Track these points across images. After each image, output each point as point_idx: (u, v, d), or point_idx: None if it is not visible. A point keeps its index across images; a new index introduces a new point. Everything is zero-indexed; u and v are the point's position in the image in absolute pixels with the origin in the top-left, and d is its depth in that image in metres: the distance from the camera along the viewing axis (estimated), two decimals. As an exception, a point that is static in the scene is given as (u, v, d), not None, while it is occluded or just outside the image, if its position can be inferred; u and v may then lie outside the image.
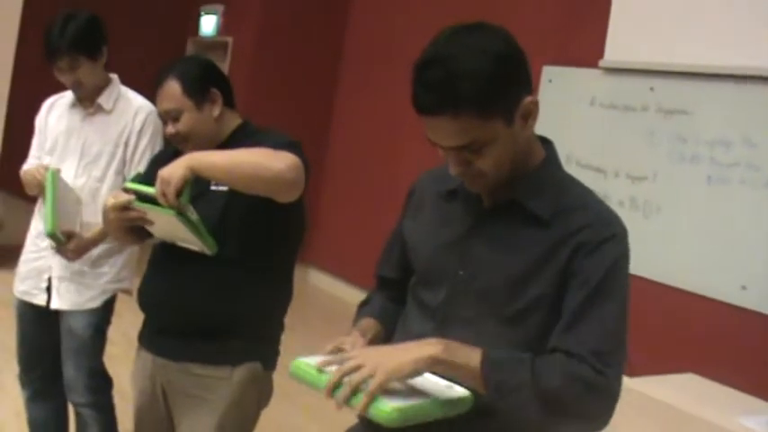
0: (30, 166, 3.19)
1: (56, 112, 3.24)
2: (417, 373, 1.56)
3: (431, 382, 1.61)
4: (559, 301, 1.63)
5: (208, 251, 2.33)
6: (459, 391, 1.60)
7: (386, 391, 1.52)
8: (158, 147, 3.14)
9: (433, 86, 1.54)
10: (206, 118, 2.50)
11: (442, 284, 1.75)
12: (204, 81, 2.51)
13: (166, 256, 2.46)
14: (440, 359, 1.55)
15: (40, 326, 3.22)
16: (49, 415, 3.35)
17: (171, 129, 2.48)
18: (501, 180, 1.66)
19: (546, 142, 1.78)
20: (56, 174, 2.99)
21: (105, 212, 2.41)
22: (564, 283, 1.63)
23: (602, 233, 1.63)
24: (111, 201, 2.37)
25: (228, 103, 2.57)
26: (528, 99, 1.60)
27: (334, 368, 1.57)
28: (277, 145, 2.34)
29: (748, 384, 3.31)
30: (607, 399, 1.59)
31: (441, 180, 1.82)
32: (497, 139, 1.58)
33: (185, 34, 9.16)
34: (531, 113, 1.62)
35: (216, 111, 2.52)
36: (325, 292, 7.70)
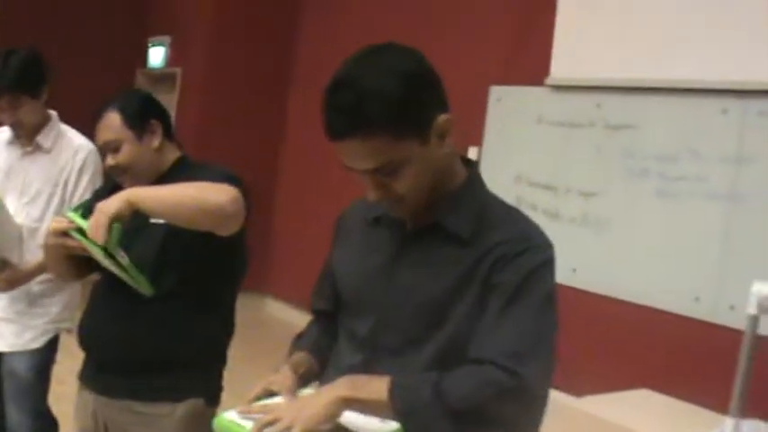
0: None
1: None
2: (333, 416, 1.52)
3: (361, 419, 1.57)
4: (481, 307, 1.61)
5: (143, 291, 2.28)
6: (391, 424, 1.55)
7: None
8: (98, 185, 3.08)
9: (342, 109, 1.51)
10: (146, 149, 2.45)
11: (369, 313, 1.71)
12: (144, 112, 2.47)
13: (106, 291, 2.40)
14: (349, 398, 1.52)
15: (-19, 368, 3.13)
16: (-6, 459, 3.25)
17: (110, 160, 2.42)
18: (421, 202, 1.63)
19: (468, 163, 1.75)
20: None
21: (46, 237, 2.35)
22: (484, 299, 1.60)
23: (519, 246, 1.60)
24: (53, 225, 2.32)
25: (168, 134, 2.53)
26: (442, 117, 1.57)
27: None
28: (216, 179, 2.29)
29: (705, 397, 3.29)
30: (525, 400, 1.54)
31: (367, 208, 1.78)
32: (412, 159, 1.55)
33: (133, 66, 9.09)
34: (447, 131, 1.59)
35: (155, 142, 2.47)
36: (283, 322, 7.62)
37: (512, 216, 1.70)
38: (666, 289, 4.57)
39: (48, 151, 3.10)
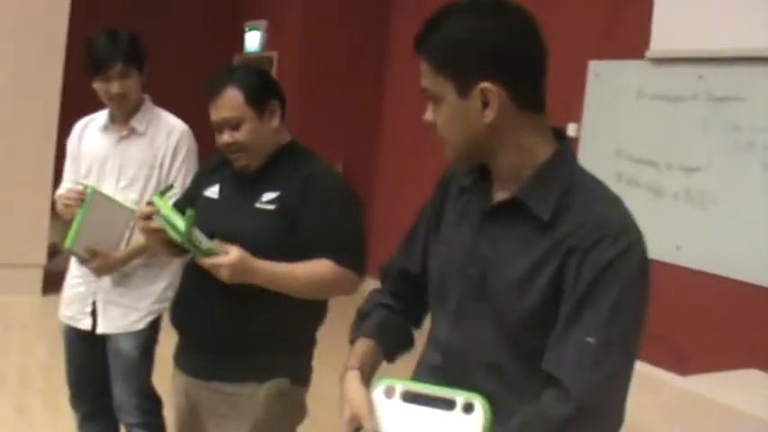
0: (62, 190, 3.18)
1: (89, 136, 3.24)
2: None
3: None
4: (556, 311, 1.55)
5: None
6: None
7: None
8: (193, 165, 3.13)
9: (422, 29, 1.62)
10: (265, 128, 2.47)
11: (455, 285, 1.69)
12: (265, 91, 2.48)
13: (196, 273, 2.43)
14: None
15: (87, 349, 3.22)
16: (103, 435, 3.35)
17: (228, 138, 2.44)
18: (460, 154, 1.64)
19: (560, 137, 1.67)
20: (93, 192, 2.98)
21: (137, 220, 2.46)
22: (556, 292, 1.55)
23: (592, 236, 1.52)
24: (140, 209, 2.44)
25: (283, 116, 2.54)
26: (485, 85, 1.54)
27: None
28: (332, 199, 2.42)
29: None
30: (588, 421, 1.51)
31: (458, 176, 1.78)
32: (445, 100, 1.59)
33: (231, 51, 9.20)
34: (488, 102, 1.55)
35: (275, 122, 2.49)
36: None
37: (595, 197, 1.60)
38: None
39: (142, 134, 3.15)
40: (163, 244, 2.47)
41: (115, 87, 3.07)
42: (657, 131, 5.20)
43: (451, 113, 1.59)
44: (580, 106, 5.74)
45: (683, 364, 2.77)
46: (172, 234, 2.27)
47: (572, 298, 1.52)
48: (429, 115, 1.64)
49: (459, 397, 1.54)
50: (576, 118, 5.75)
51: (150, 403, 3.19)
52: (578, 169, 1.65)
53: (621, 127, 5.44)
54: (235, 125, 2.42)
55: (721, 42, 4.80)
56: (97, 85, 3.08)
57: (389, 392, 1.60)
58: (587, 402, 1.48)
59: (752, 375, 3.05)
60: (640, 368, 2.56)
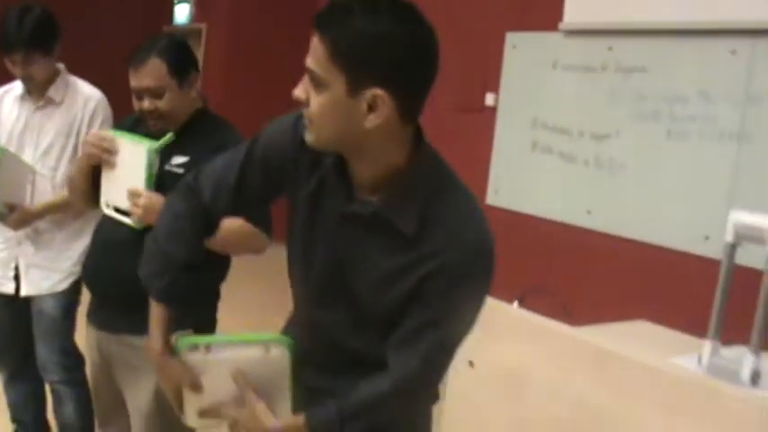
0: None
1: (6, 105, 3.33)
2: None
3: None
4: (406, 308, 1.66)
5: (135, 224, 2.46)
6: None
7: None
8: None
9: (332, 9, 1.54)
10: (185, 97, 2.61)
11: (315, 270, 1.76)
12: (187, 63, 2.61)
13: (104, 230, 2.57)
14: None
15: (10, 312, 3.33)
16: (27, 395, 3.48)
17: (148, 105, 2.56)
18: (325, 142, 1.62)
19: (420, 142, 1.67)
20: (2, 152, 3.09)
21: (83, 146, 2.60)
22: (411, 297, 1.64)
23: (455, 256, 1.60)
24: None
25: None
26: (378, 92, 1.51)
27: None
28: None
29: (705, 329, 3.39)
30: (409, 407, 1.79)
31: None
32: (330, 89, 1.54)
33: (160, 23, 9.23)
34: (377, 107, 1.52)
35: (193, 92, 2.62)
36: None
37: (457, 210, 1.65)
38: (678, 228, 4.66)
39: (59, 104, 3.26)
40: (86, 185, 2.61)
41: (18, 71, 3.17)
42: (570, 101, 5.40)
43: (332, 105, 1.54)
44: (498, 77, 5.92)
45: (581, 318, 2.99)
46: (135, 142, 2.48)
47: (424, 312, 1.64)
48: (301, 92, 1.61)
49: (260, 341, 1.75)
50: (494, 88, 5.93)
51: (73, 361, 3.32)
52: (440, 175, 1.68)
53: (537, 97, 5.64)
54: (157, 93, 2.55)
55: (630, 15, 5.01)
56: (6, 62, 3.17)
57: (194, 349, 1.77)
58: (407, 386, 1.70)
59: (641, 325, 3.27)
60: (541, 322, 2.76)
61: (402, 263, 1.63)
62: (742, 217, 2.49)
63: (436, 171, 1.68)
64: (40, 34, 3.12)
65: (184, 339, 1.79)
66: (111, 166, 2.53)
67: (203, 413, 1.80)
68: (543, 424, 2.66)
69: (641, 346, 2.79)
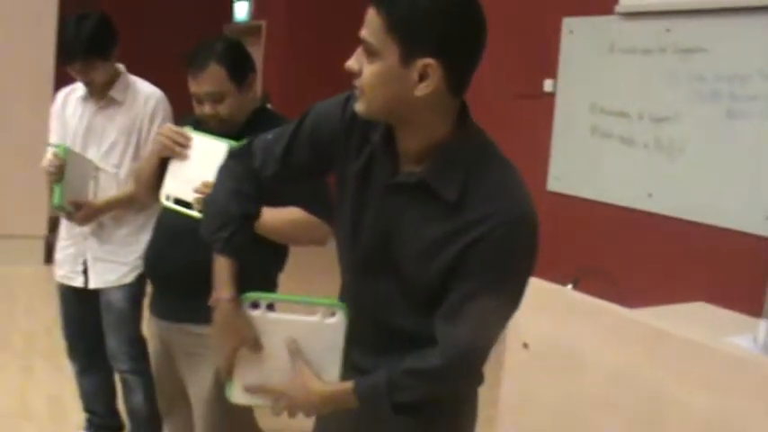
0: (45, 162, 3.39)
1: (71, 106, 3.44)
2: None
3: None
4: (450, 281, 1.70)
5: (199, 214, 2.52)
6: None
7: None
8: None
9: None
10: (244, 100, 2.70)
11: (361, 241, 1.83)
12: (244, 66, 2.69)
13: (165, 222, 2.65)
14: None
15: (80, 305, 3.46)
16: (99, 386, 3.60)
17: (209, 109, 2.65)
18: (376, 114, 1.69)
19: (465, 116, 1.73)
20: (65, 151, 3.20)
21: (155, 138, 2.72)
22: (455, 267, 1.68)
23: (499, 225, 1.64)
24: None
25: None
26: (429, 61, 1.58)
27: None
28: None
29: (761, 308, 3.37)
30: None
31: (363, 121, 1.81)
32: (383, 59, 1.61)
33: (219, 21, 9.38)
34: (427, 77, 1.59)
35: (252, 93, 2.70)
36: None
37: (498, 181, 1.69)
38: (739, 209, 4.60)
39: (121, 104, 3.36)
40: (153, 177, 2.72)
41: (78, 76, 3.28)
42: (628, 84, 5.37)
43: (385, 74, 1.61)
44: (556, 62, 5.91)
45: (635, 300, 3.00)
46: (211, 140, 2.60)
47: (470, 281, 1.67)
48: (353, 63, 1.67)
49: (321, 305, 1.81)
50: (552, 74, 5.92)
51: (140, 350, 3.42)
52: (485, 148, 1.74)
53: (595, 81, 5.61)
54: (218, 98, 2.63)
55: (686, -5, 4.97)
56: (69, 69, 3.28)
57: (255, 306, 1.85)
58: (456, 358, 1.73)
59: (699, 307, 3.27)
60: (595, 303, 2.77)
61: (445, 231, 1.68)
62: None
63: (481, 145, 1.74)
64: (97, 41, 3.21)
65: (249, 294, 1.86)
66: (183, 158, 2.62)
67: (250, 389, 1.86)
68: (599, 405, 2.68)
69: (698, 326, 2.80)
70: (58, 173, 3.16)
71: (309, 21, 8.25)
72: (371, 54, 1.63)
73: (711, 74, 4.85)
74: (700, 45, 4.92)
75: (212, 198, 2.01)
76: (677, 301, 3.35)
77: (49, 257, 7.04)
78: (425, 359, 1.74)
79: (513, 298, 1.74)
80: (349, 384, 1.78)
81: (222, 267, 1.92)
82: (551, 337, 2.56)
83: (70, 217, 3.28)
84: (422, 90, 1.60)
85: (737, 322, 2.92)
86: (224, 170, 2.03)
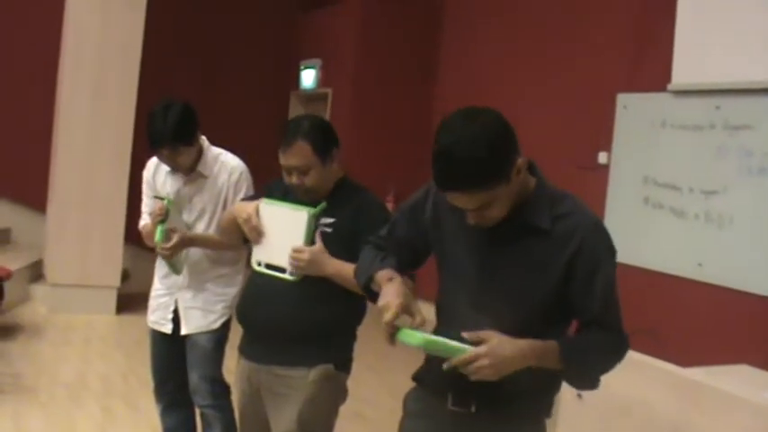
0: (145, 221, 3.71)
1: (161, 176, 3.77)
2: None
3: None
4: (564, 287, 2.14)
5: (291, 277, 2.92)
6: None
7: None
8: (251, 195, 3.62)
9: (444, 173, 2.02)
10: (328, 172, 3.01)
11: (471, 283, 2.23)
12: (328, 142, 3.00)
13: (258, 281, 3.01)
14: (531, 364, 2.08)
15: (168, 348, 3.77)
16: (181, 422, 3.89)
17: (296, 180, 2.96)
18: (505, 216, 2.13)
19: (532, 167, 2.20)
20: (170, 203, 3.56)
21: (239, 216, 3.06)
22: (569, 274, 2.13)
23: (588, 234, 2.13)
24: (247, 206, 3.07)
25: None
26: (520, 161, 2.05)
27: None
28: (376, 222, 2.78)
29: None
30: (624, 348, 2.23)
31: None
32: (500, 196, 2.05)
33: (287, 88, 9.84)
34: (522, 168, 2.06)
35: (335, 165, 3.02)
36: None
37: (573, 204, 2.19)
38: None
39: (207, 176, 3.68)
40: (234, 232, 3.14)
41: (166, 161, 3.61)
42: (679, 158, 5.64)
43: (506, 199, 2.07)
44: (610, 136, 6.20)
45: (685, 362, 3.25)
46: (293, 209, 2.98)
47: (588, 277, 2.12)
48: (473, 220, 2.10)
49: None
50: (607, 147, 6.22)
51: (220, 388, 3.72)
52: (551, 185, 2.22)
53: (647, 155, 5.89)
54: (304, 171, 2.95)
55: (736, 75, 5.24)
56: (156, 154, 3.61)
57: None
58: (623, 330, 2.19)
59: (743, 368, 3.49)
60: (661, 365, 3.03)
61: (547, 253, 2.13)
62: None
63: (549, 185, 2.21)
64: (182, 129, 3.51)
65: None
66: (257, 240, 3.00)
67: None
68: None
69: (739, 384, 3.02)
70: (164, 215, 3.51)
71: (373, 89, 8.64)
72: (488, 205, 2.06)
73: (758, 149, 5.10)
74: (747, 122, 5.19)
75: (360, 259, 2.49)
76: (721, 363, 3.58)
77: (120, 308, 7.47)
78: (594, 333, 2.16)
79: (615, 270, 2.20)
80: (552, 342, 2.11)
81: (381, 276, 2.30)
82: (604, 389, 2.83)
83: (164, 248, 3.52)
84: (522, 176, 2.11)
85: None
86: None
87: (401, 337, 2.08)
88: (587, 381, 2.20)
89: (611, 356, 2.20)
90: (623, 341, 2.21)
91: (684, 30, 5.62)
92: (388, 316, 2.10)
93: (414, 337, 2.05)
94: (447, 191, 2.04)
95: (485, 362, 2.01)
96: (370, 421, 4.81)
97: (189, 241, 3.60)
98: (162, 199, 3.57)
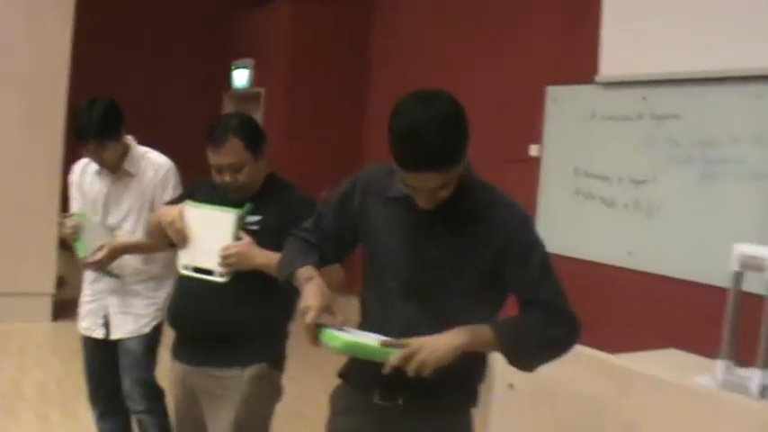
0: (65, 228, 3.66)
1: (88, 178, 3.77)
2: (451, 359, 2.08)
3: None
4: (497, 271, 2.18)
5: (220, 278, 2.89)
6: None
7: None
8: (179, 193, 3.59)
9: (414, 155, 2.05)
10: (259, 168, 3.02)
11: (401, 272, 2.25)
12: (259, 138, 3.02)
13: (187, 285, 3.02)
14: (467, 346, 2.09)
15: (100, 353, 3.75)
16: (117, 428, 3.87)
17: (230, 178, 2.96)
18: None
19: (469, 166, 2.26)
20: (82, 217, 3.58)
21: (164, 219, 3.03)
22: (502, 260, 2.17)
23: (518, 224, 2.21)
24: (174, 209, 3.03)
25: None
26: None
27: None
28: (303, 211, 2.77)
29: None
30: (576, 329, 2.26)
31: (382, 186, 2.32)
32: (454, 177, 2.11)
33: (220, 88, 9.79)
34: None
35: (264, 162, 3.03)
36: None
37: (498, 192, 2.27)
38: (712, 265, 4.90)
39: (134, 175, 3.68)
40: (164, 236, 3.07)
41: (92, 157, 3.61)
42: (609, 149, 5.73)
43: (455, 180, 2.12)
44: (540, 128, 6.28)
45: (614, 347, 3.31)
46: (219, 212, 2.96)
47: (521, 257, 2.18)
48: (427, 202, 2.15)
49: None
50: (537, 139, 6.29)
51: (154, 393, 3.72)
52: (477, 176, 2.27)
53: (578, 146, 5.98)
54: (237, 168, 2.95)
55: (661, 66, 5.34)
56: (82, 149, 3.60)
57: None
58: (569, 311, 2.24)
59: (670, 353, 3.57)
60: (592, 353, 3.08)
61: (476, 239, 2.18)
62: (744, 249, 2.79)
63: (476, 176, 2.26)
64: (107, 123, 3.52)
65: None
66: (183, 243, 2.98)
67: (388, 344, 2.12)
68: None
69: (666, 368, 3.09)
70: (75, 232, 3.52)
71: (307, 89, 8.62)
72: (447, 185, 2.11)
73: (685, 139, 5.21)
74: (673, 112, 5.29)
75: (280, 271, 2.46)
76: (650, 348, 3.65)
77: (56, 315, 7.36)
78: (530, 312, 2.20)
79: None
80: (483, 325, 2.14)
81: (301, 274, 2.31)
82: (534, 378, 2.88)
83: (92, 262, 3.54)
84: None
85: (702, 365, 3.22)
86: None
87: (323, 339, 2.11)
88: (526, 359, 2.20)
89: (553, 335, 2.19)
90: (570, 322, 2.22)
91: (611, 21, 5.70)
92: (308, 318, 2.12)
93: (335, 339, 2.08)
94: (417, 170, 2.05)
95: (424, 354, 2.03)
96: (312, 420, 4.82)
97: (120, 250, 3.58)
98: (72, 215, 3.58)
